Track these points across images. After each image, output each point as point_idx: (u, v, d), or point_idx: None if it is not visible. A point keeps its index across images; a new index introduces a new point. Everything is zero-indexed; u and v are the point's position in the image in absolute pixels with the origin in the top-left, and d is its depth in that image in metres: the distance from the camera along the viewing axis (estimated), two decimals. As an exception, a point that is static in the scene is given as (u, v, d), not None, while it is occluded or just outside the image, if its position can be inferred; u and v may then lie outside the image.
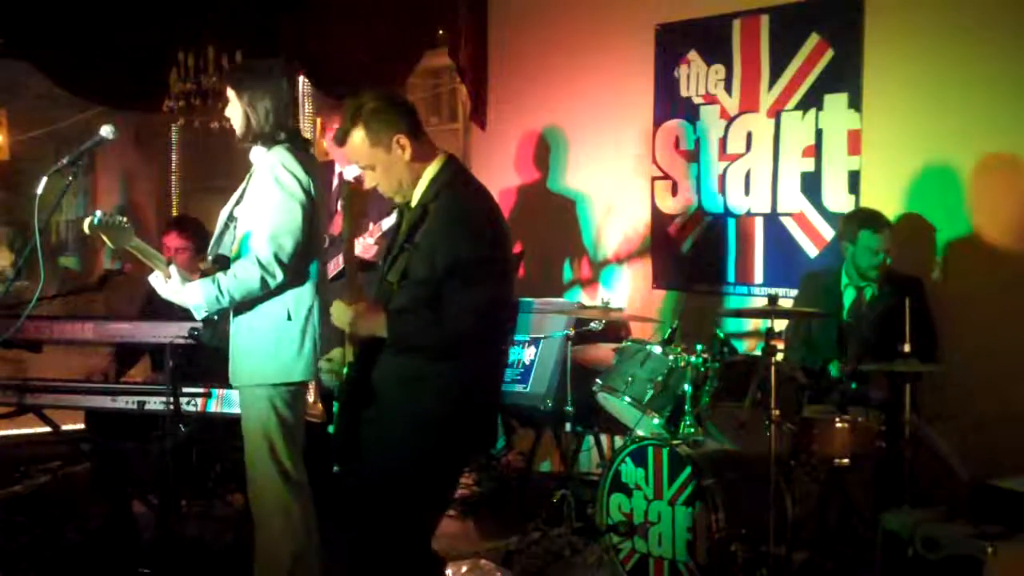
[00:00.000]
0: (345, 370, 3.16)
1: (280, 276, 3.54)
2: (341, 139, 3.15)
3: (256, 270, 3.51)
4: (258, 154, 3.71)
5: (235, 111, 3.69)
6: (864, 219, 4.63)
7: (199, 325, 3.75)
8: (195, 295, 3.54)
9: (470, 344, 3.05)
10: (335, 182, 5.27)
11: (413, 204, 3.16)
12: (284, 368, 3.63)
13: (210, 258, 3.70)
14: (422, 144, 3.14)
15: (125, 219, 3.42)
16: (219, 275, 3.54)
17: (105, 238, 3.39)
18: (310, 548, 3.70)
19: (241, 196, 3.71)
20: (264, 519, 3.69)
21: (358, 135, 3.10)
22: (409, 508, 3.10)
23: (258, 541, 3.71)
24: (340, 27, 6.08)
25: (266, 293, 3.59)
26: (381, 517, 3.10)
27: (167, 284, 3.57)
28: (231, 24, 5.85)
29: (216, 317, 3.67)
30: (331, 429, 3.19)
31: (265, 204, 3.58)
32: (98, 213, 3.34)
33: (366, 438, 3.13)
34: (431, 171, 3.13)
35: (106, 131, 3.24)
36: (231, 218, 3.70)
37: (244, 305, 3.62)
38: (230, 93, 3.71)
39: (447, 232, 3.04)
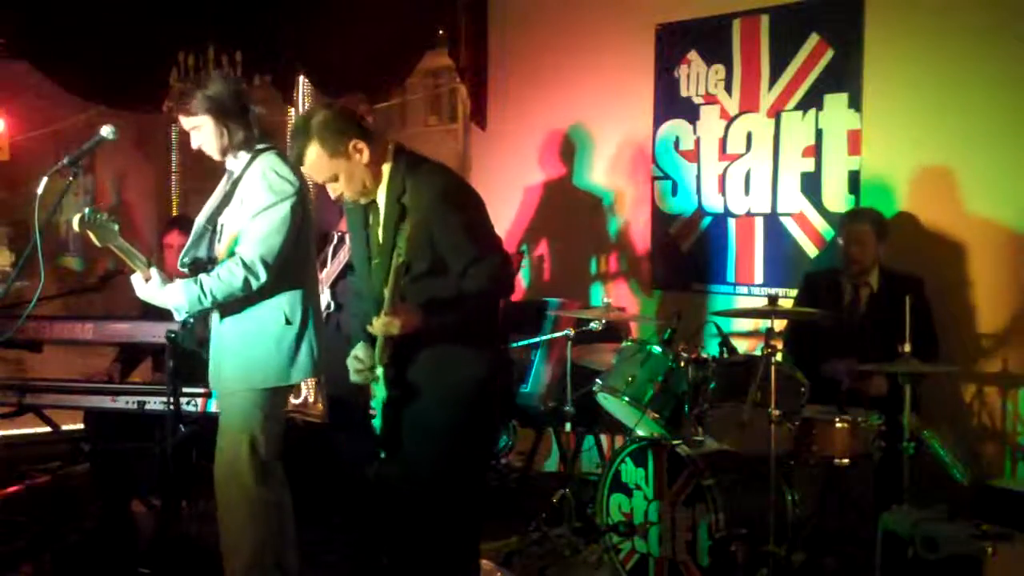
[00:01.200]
0: (380, 369, 3.23)
1: (264, 277, 3.50)
2: (298, 158, 3.18)
3: (240, 271, 3.48)
4: (240, 160, 3.66)
5: (206, 132, 3.59)
6: (845, 214, 4.83)
7: (176, 328, 3.74)
8: (177, 296, 3.50)
9: (487, 304, 3.21)
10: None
11: (382, 202, 3.24)
12: (279, 372, 3.62)
13: (185, 260, 3.67)
14: (376, 144, 3.20)
15: (110, 217, 3.41)
16: (202, 276, 3.51)
17: (91, 235, 3.38)
18: (267, 549, 3.66)
19: (221, 201, 3.66)
20: (227, 512, 3.67)
21: (314, 150, 3.14)
22: (462, 481, 3.30)
23: (222, 538, 3.69)
24: (340, 27, 6.06)
25: (258, 296, 3.56)
26: (440, 494, 3.24)
27: (147, 285, 3.53)
28: (231, 24, 5.84)
29: (193, 320, 3.65)
30: (376, 423, 3.30)
31: (255, 208, 3.55)
32: (87, 209, 3.34)
33: (414, 425, 3.24)
34: (388, 167, 3.22)
35: (106, 131, 3.24)
36: (210, 223, 3.66)
37: (237, 309, 3.60)
38: (193, 121, 3.57)
39: (436, 213, 3.12)
